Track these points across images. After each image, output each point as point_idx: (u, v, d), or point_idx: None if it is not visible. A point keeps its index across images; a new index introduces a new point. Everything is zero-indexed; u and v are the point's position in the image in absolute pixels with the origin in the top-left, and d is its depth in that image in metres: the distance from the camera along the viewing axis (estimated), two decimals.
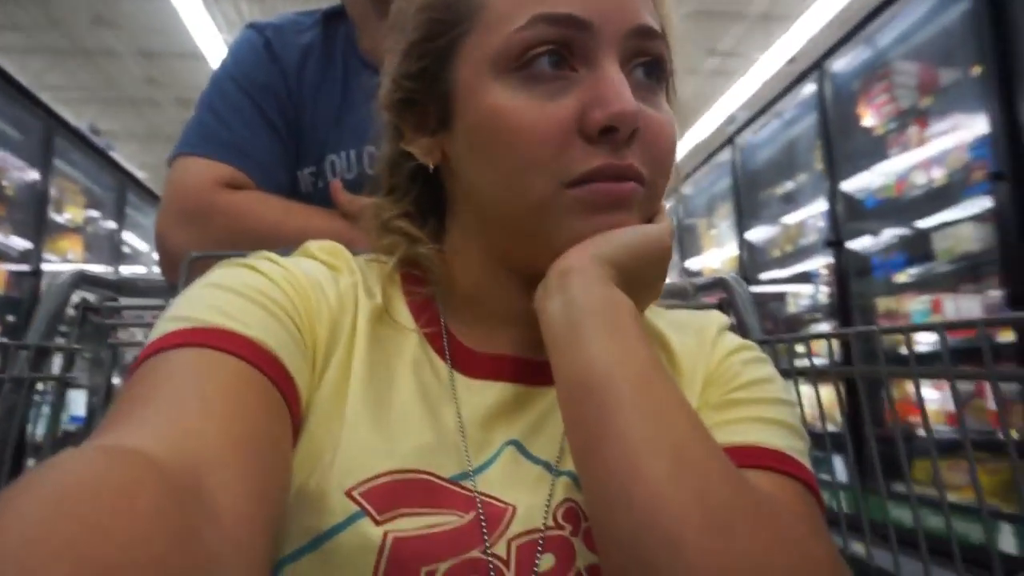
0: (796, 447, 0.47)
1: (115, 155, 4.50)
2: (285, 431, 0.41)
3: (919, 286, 2.82)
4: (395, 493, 0.43)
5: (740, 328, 0.93)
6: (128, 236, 4.87)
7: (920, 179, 2.76)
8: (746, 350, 0.55)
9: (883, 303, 3.01)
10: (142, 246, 5.25)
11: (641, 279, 0.47)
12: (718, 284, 0.98)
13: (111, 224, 4.65)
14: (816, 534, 0.42)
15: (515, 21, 0.44)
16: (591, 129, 0.43)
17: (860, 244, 3.10)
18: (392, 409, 0.47)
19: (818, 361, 0.75)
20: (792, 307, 3.84)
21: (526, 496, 0.46)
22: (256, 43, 0.93)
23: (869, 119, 3.05)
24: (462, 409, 0.49)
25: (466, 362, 0.51)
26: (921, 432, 0.66)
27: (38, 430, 0.98)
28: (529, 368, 0.51)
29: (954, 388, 0.58)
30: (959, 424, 0.62)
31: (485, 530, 0.43)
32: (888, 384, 0.69)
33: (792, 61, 4.74)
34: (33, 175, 3.50)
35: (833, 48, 3.17)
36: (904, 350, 0.62)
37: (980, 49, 2.33)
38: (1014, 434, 2.19)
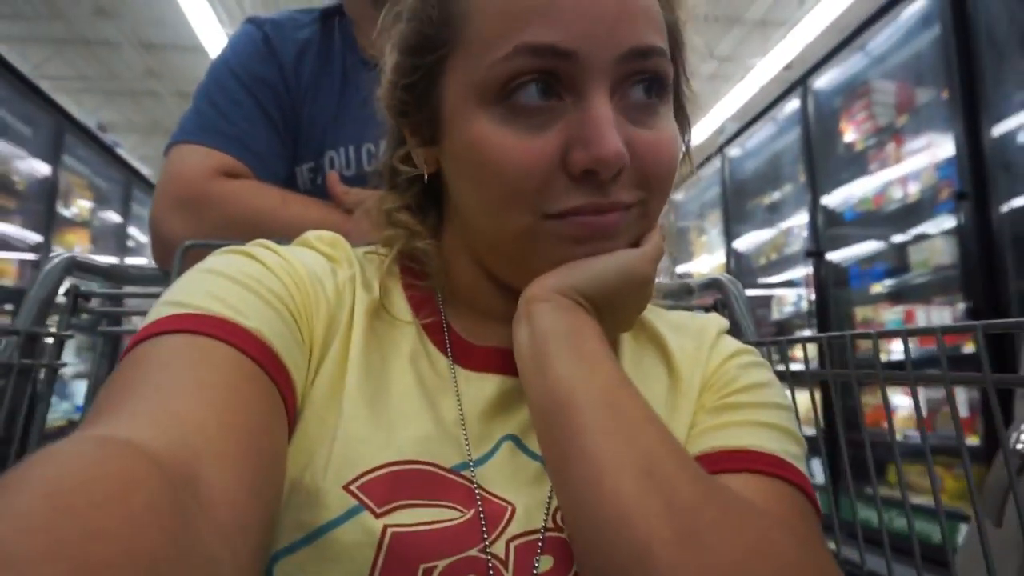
0: (791, 451, 0.47)
1: (121, 151, 4.58)
2: (280, 423, 0.40)
3: (894, 297, 2.90)
4: (395, 485, 0.42)
5: (734, 329, 0.92)
6: (133, 230, 4.94)
7: (897, 194, 2.84)
8: (744, 354, 0.54)
9: (860, 312, 3.10)
10: (147, 239, 5.30)
11: (612, 303, 0.47)
12: (713, 284, 0.97)
13: (117, 218, 4.73)
14: (804, 541, 0.40)
15: (498, 49, 0.42)
16: (574, 169, 0.43)
17: (839, 255, 3.19)
18: (390, 402, 0.46)
19: (795, 367, 0.78)
20: (776, 313, 3.92)
21: (525, 495, 0.45)
22: (254, 37, 0.93)
23: (850, 135, 3.13)
24: (462, 401, 0.48)
25: (465, 355, 0.51)
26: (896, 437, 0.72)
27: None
28: None
29: (914, 392, 0.60)
30: (922, 429, 0.66)
31: (484, 529, 0.43)
32: (857, 388, 0.70)
33: (788, 67, 4.73)
34: (43, 170, 3.59)
35: (817, 65, 3.24)
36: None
37: (948, 73, 2.42)
38: (975, 439, 2.31)
